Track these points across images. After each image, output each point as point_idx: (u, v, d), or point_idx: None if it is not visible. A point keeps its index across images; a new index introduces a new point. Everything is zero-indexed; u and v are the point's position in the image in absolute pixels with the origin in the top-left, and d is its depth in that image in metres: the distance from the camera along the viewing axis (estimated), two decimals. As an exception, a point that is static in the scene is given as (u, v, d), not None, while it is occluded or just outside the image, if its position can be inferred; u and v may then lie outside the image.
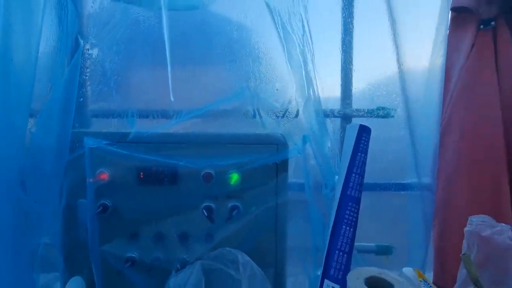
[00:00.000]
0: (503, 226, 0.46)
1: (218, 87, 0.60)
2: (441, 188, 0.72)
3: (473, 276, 0.40)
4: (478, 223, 0.47)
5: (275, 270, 0.59)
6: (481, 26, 0.70)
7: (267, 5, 0.54)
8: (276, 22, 0.54)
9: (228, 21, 0.59)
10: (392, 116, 0.66)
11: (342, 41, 0.73)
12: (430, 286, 0.49)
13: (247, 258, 0.48)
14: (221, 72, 0.61)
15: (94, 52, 0.56)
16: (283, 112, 0.56)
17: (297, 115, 0.56)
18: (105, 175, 0.57)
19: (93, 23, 0.55)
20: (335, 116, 0.70)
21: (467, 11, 0.71)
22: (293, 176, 0.61)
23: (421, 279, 0.51)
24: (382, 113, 0.67)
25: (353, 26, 0.73)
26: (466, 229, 0.49)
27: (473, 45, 0.71)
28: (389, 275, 0.46)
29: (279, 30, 0.54)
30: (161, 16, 0.52)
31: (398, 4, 0.65)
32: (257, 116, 0.55)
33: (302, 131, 0.57)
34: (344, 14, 0.72)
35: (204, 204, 0.57)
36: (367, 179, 0.79)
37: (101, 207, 0.57)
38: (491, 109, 0.68)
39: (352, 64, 0.75)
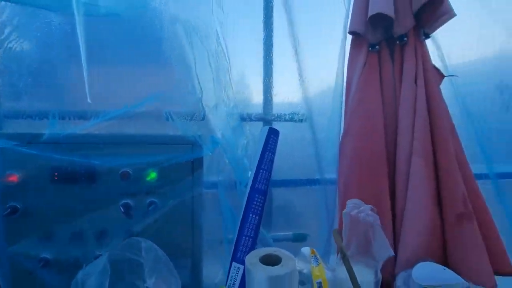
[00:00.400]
0: (366, 206, 0.58)
1: (136, 91, 0.64)
2: (341, 186, 0.84)
3: (339, 246, 0.51)
4: (350, 206, 0.59)
5: (192, 261, 0.64)
6: (370, 48, 0.86)
7: (179, 21, 0.60)
8: (188, 35, 0.61)
9: (146, 30, 0.64)
10: (295, 121, 0.78)
11: (263, 56, 0.84)
12: (318, 260, 0.59)
13: (150, 243, 0.52)
14: (138, 76, 0.65)
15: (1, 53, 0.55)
16: (191, 116, 0.62)
17: (203, 118, 0.63)
18: (14, 177, 0.57)
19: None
20: (252, 120, 0.78)
21: (360, 36, 0.86)
22: (210, 174, 0.67)
23: (312, 255, 0.61)
24: (288, 117, 0.78)
25: (272, 46, 0.84)
26: (343, 211, 0.61)
27: (365, 64, 0.87)
28: (282, 252, 0.55)
29: (191, 42, 0.61)
30: (74, 21, 0.54)
31: (302, 37, 0.79)
32: (170, 119, 0.60)
33: (216, 132, 0.64)
34: (264, 36, 0.83)
35: (122, 201, 0.60)
36: (285, 176, 0.91)
37: (9, 209, 0.56)
38: (376, 119, 0.83)
39: (272, 78, 0.86)
